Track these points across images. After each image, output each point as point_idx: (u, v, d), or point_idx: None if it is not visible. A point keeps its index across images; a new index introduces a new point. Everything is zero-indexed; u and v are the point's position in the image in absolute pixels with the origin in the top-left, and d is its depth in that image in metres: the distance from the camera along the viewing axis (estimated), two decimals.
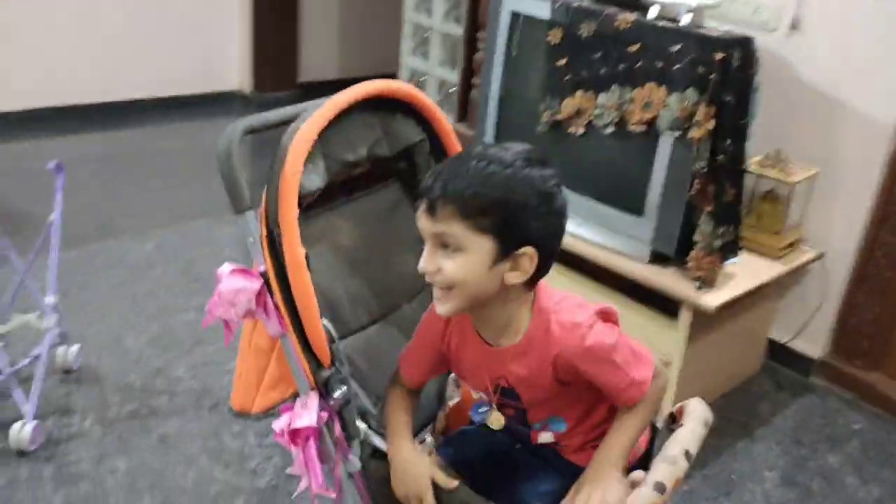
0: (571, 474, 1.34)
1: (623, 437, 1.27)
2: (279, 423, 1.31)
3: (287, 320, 1.30)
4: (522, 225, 1.17)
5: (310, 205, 1.44)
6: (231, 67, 4.97)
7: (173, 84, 4.73)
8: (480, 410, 1.41)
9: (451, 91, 3.92)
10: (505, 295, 1.23)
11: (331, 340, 1.32)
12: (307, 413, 1.29)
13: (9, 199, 3.45)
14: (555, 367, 1.25)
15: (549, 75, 2.49)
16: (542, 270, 1.22)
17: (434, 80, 4.03)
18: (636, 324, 2.47)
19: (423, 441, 1.53)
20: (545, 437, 1.38)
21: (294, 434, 1.30)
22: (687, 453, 1.28)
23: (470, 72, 3.75)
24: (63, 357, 2.44)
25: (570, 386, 1.28)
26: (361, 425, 1.36)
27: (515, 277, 1.20)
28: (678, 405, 1.42)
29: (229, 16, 4.85)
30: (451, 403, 1.63)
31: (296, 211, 1.27)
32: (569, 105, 2.44)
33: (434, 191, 1.19)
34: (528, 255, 1.19)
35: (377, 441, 1.37)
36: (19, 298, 2.37)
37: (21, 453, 2.12)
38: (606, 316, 1.28)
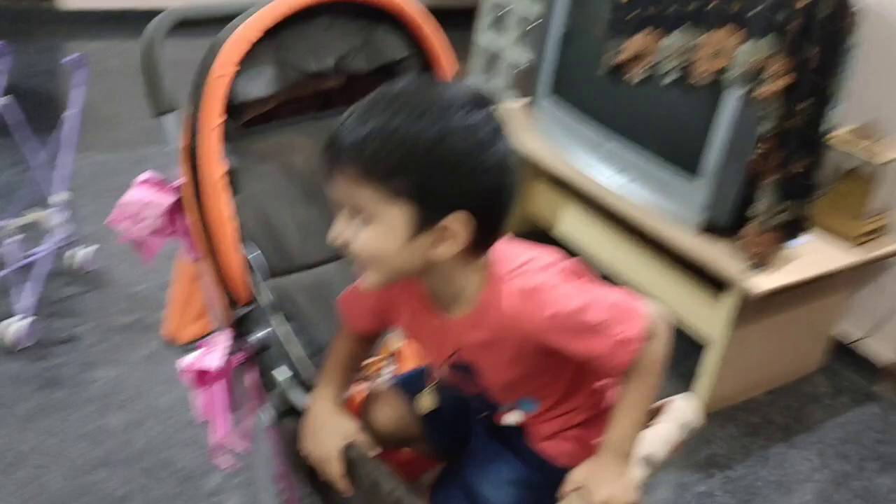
0: (536, 465, 1.14)
1: (622, 419, 1.02)
2: (185, 360, 1.15)
3: (203, 246, 1.14)
4: (447, 186, 0.92)
5: (265, 117, 1.28)
6: None
7: None
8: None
9: (532, 27, 3.64)
10: (445, 264, 0.98)
11: (255, 275, 1.15)
12: (215, 353, 1.13)
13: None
14: (528, 346, 1.02)
15: (614, 10, 2.21)
16: (487, 237, 0.97)
17: (516, 13, 3.75)
18: (677, 297, 2.22)
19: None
20: (512, 419, 1.18)
21: (201, 375, 1.15)
22: (648, 458, 1.08)
23: None
24: (72, 258, 2.37)
25: (548, 360, 1.05)
26: (283, 375, 1.18)
27: (445, 251, 0.95)
28: (661, 401, 1.20)
29: None
30: None
31: (219, 119, 1.10)
32: (630, 46, 2.16)
33: (331, 146, 0.94)
34: (460, 222, 0.93)
35: (298, 396, 1.19)
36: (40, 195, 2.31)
37: (9, 351, 2.07)
38: (575, 273, 1.04)
